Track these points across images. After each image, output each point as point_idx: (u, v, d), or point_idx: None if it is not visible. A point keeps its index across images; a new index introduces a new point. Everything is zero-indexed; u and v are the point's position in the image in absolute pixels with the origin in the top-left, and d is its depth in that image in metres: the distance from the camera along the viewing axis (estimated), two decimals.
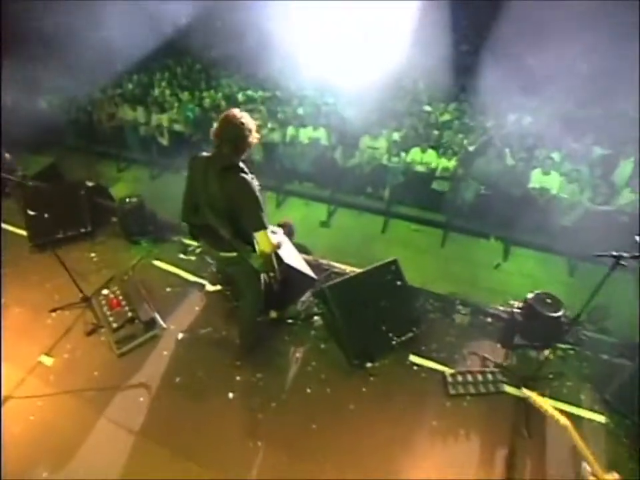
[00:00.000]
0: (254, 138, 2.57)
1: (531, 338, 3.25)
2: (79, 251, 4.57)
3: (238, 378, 3.24)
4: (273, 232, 3.36)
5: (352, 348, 3.22)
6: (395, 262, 3.42)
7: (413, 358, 3.35)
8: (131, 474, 2.73)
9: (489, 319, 3.62)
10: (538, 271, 6.21)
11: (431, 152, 7.11)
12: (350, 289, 3.26)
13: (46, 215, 4.50)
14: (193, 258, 4.45)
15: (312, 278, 3.64)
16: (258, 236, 2.56)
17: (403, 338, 3.32)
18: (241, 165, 2.57)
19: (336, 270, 4.06)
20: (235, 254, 2.70)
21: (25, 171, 6.90)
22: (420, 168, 7.13)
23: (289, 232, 4.57)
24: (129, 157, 9.30)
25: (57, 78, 9.42)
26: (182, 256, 4.47)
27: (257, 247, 2.61)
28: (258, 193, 2.51)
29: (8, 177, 5.96)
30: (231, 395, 3.14)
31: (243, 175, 2.50)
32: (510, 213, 6.31)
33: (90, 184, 6.15)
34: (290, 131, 7.80)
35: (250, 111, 8.30)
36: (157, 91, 9.73)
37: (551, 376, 3.15)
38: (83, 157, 9.49)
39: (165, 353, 3.46)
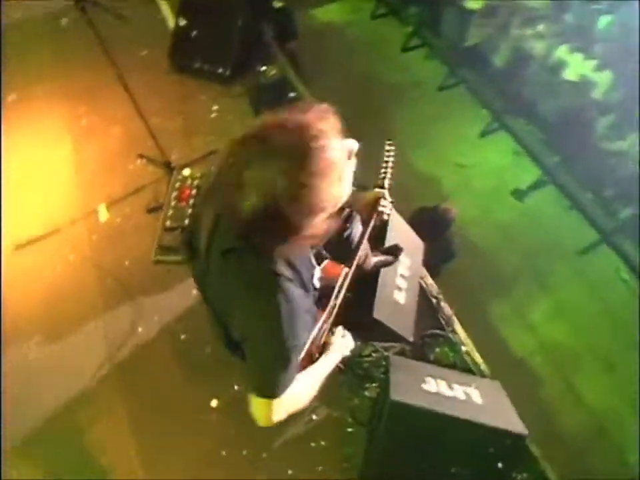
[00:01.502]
0: (337, 197, 1.00)
1: None
2: (207, 94, 3.72)
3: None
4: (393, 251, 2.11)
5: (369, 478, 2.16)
6: (522, 439, 1.96)
7: None
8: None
9: None
10: None
11: None
12: (423, 423, 1.99)
13: (194, 33, 3.63)
14: None
15: (405, 339, 2.40)
16: (255, 402, 1.19)
17: None
18: (285, 264, 1.10)
19: (451, 337, 2.65)
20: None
21: None
22: None
23: (445, 222, 3.30)
24: None
25: None
26: None
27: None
28: (292, 338, 1.08)
29: None
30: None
31: (281, 287, 1.06)
32: None
33: (279, 4, 4.92)
34: (560, 51, 5.11)
35: None
36: None
37: None
38: None
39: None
